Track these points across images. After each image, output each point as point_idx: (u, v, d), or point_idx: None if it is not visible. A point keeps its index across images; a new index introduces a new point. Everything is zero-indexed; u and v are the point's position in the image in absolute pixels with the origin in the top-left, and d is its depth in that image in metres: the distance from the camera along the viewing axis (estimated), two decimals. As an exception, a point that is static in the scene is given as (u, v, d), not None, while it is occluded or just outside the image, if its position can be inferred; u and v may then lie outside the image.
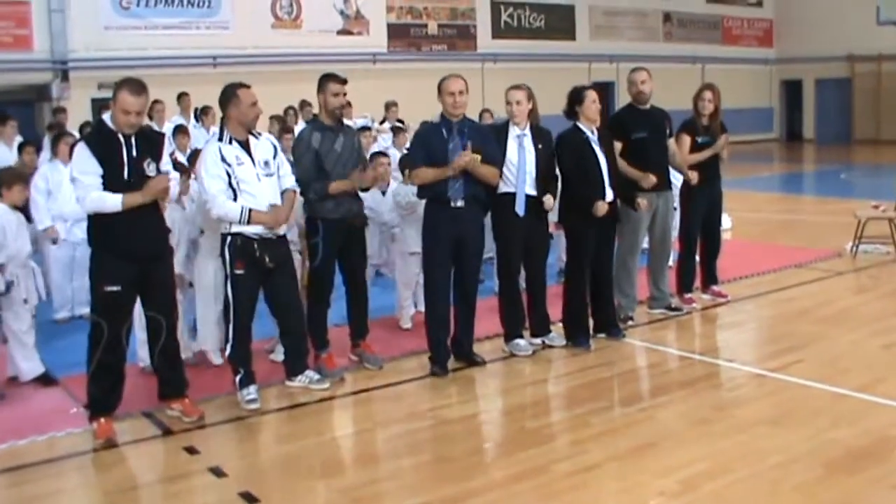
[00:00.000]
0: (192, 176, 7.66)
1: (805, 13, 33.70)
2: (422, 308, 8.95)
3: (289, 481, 5.60)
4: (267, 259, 6.76)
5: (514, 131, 7.79)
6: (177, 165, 6.93)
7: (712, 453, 5.71)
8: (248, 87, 6.88)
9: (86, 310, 7.60)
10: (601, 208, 7.76)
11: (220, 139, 6.79)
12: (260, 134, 7.03)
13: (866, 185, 20.90)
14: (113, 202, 6.03)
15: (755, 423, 6.19)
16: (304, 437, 6.35)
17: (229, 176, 6.64)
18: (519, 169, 7.68)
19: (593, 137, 7.95)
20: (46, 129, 13.99)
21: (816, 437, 5.87)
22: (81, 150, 6.14)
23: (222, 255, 6.81)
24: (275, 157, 6.93)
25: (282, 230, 6.89)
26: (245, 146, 6.77)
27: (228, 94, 6.79)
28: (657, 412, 6.52)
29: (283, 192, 6.87)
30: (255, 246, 6.71)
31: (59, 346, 8.37)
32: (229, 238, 6.73)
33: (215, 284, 7.40)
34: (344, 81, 7.52)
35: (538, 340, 8.13)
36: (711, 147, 9.15)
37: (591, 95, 8.03)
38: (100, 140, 6.15)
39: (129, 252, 6.14)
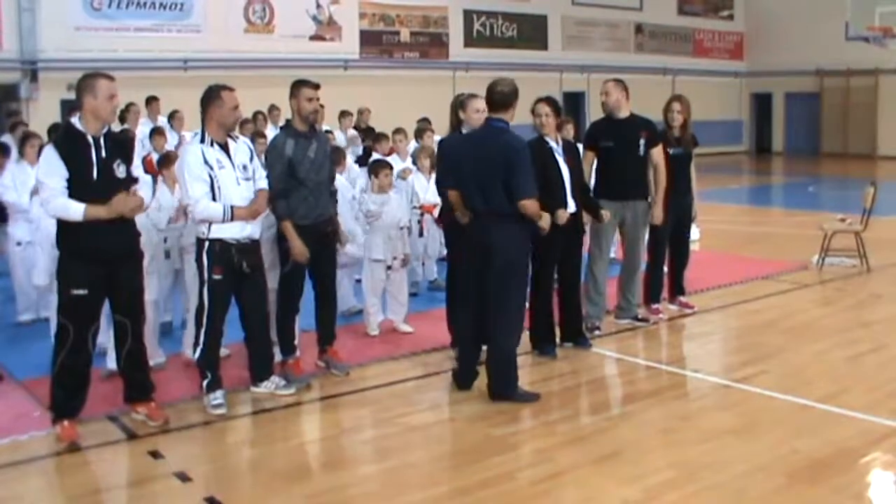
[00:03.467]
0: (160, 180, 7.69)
1: (775, 27, 34.01)
2: (390, 315, 8.97)
3: (254, 487, 5.59)
4: (244, 265, 6.77)
5: None
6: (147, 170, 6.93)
7: (676, 462, 5.74)
8: (231, 89, 6.84)
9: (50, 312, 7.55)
10: (562, 216, 7.76)
11: (202, 140, 6.75)
12: (238, 137, 7.03)
13: (833, 199, 21.09)
14: (76, 211, 5.97)
15: (719, 432, 6.23)
16: (270, 442, 6.34)
17: (211, 179, 6.64)
18: None
19: (557, 148, 7.95)
20: (8, 130, 13.69)
21: (780, 448, 5.92)
22: (49, 152, 6.08)
23: (199, 260, 6.79)
24: (251, 161, 6.92)
25: (256, 235, 6.88)
26: (225, 149, 6.76)
27: (211, 95, 6.76)
28: (622, 421, 6.55)
29: (256, 192, 6.86)
30: (233, 251, 6.71)
31: (23, 348, 8.31)
32: (207, 243, 6.71)
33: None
34: (317, 87, 7.48)
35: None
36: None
37: (539, 109, 7.99)
38: (68, 142, 6.09)
39: (96, 254, 6.08)
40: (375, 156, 11.92)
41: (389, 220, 8.78)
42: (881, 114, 31.88)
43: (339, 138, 15.92)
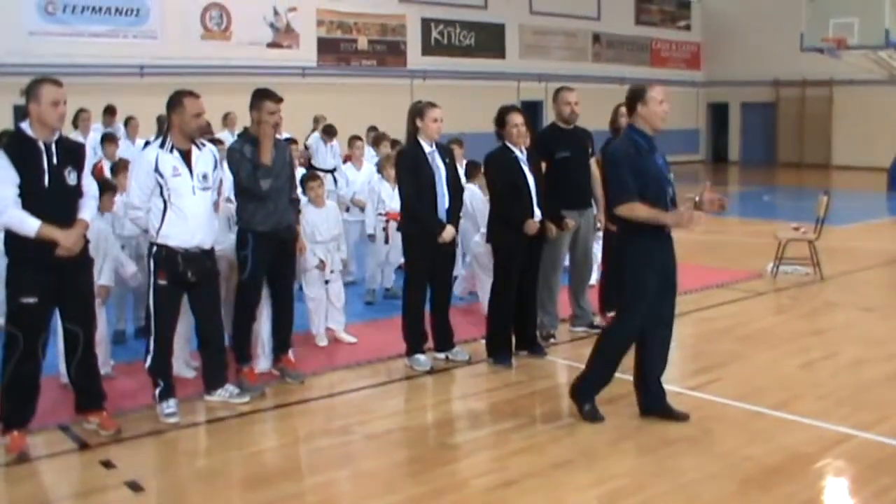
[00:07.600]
0: (118, 192, 7.63)
1: (732, 38, 34.39)
2: (330, 324, 8.89)
3: (207, 496, 5.54)
4: (189, 274, 6.71)
5: (426, 148, 7.81)
6: (102, 184, 6.85)
7: (630, 470, 5.77)
8: (196, 96, 6.77)
9: (2, 320, 7.45)
10: (532, 227, 7.81)
11: (162, 146, 6.68)
12: (204, 145, 6.92)
13: (788, 208, 21.27)
14: (30, 227, 5.91)
15: (673, 440, 6.26)
16: (223, 451, 6.30)
17: (161, 187, 6.56)
18: (438, 184, 7.72)
19: (522, 157, 7.97)
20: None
21: (732, 455, 5.96)
22: None
23: (147, 262, 6.75)
24: (214, 170, 6.86)
25: (207, 245, 6.82)
26: (186, 157, 6.68)
27: (173, 102, 6.70)
28: (577, 429, 6.55)
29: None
30: (179, 259, 6.65)
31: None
32: (155, 248, 6.66)
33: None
34: (279, 100, 7.38)
35: (442, 356, 8.15)
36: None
37: (512, 120, 7.97)
38: (18, 148, 6.00)
39: (46, 262, 6.00)
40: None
41: (325, 234, 8.71)
42: (836, 124, 32.34)
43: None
